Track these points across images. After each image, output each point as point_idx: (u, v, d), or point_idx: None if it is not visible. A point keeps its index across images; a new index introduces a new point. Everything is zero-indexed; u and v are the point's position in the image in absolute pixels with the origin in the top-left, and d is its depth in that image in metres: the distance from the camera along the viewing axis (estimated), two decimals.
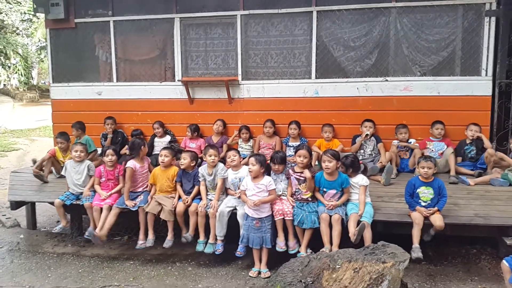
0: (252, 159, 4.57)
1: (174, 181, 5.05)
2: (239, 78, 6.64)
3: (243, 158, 5.61)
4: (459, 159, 5.87)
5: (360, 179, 4.57)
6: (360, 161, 4.69)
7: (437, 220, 4.21)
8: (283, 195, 4.81)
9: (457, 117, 6.02)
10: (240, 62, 6.62)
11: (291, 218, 4.53)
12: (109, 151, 5.24)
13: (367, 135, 5.94)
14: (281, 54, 6.56)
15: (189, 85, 6.77)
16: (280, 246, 4.52)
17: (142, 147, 5.20)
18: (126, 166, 5.08)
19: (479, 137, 5.70)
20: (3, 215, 6.48)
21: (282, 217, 4.54)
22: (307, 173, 4.57)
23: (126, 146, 6.48)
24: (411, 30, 6.10)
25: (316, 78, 6.42)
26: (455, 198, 4.81)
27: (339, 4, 6.20)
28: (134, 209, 4.95)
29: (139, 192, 5.14)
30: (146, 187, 5.19)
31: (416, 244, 4.24)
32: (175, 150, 5.59)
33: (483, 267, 4.63)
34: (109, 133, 6.84)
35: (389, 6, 6.09)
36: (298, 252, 4.48)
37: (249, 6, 6.50)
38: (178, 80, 6.82)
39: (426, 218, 4.28)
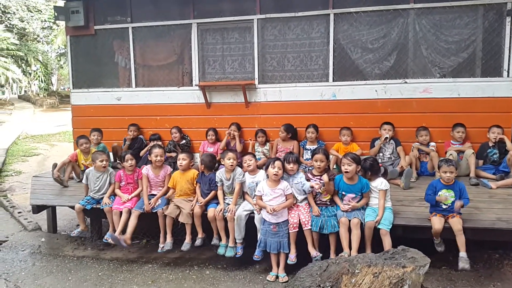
0: (279, 163, 4.51)
1: (194, 183, 5.09)
2: (256, 82, 6.65)
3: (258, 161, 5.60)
4: (481, 162, 5.77)
5: (379, 183, 4.50)
6: (380, 164, 4.62)
7: (456, 224, 4.13)
8: (299, 202, 4.73)
9: (478, 119, 5.92)
10: (256, 66, 6.63)
11: (309, 227, 4.47)
12: (128, 156, 5.32)
13: (386, 138, 5.87)
14: (298, 58, 6.54)
15: (206, 89, 6.81)
16: (291, 259, 4.46)
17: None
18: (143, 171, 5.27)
19: (501, 140, 5.59)
20: (24, 219, 6.60)
21: (296, 230, 4.48)
22: (325, 177, 4.53)
23: (146, 149, 6.68)
24: (430, 31, 6.03)
25: (334, 81, 6.38)
26: (477, 202, 4.72)
27: (357, 6, 6.16)
28: (153, 211, 5.01)
29: (154, 195, 5.20)
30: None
31: (437, 239, 4.19)
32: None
33: (506, 273, 4.52)
34: (128, 140, 6.94)
35: (407, 8, 6.02)
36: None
37: (265, 10, 6.51)
38: (196, 85, 6.86)
39: (446, 222, 4.21)
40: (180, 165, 5.12)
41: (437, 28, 6.01)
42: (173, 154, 6.56)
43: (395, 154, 5.97)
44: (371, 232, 4.31)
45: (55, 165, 6.30)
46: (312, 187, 4.57)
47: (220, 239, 4.85)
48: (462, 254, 4.08)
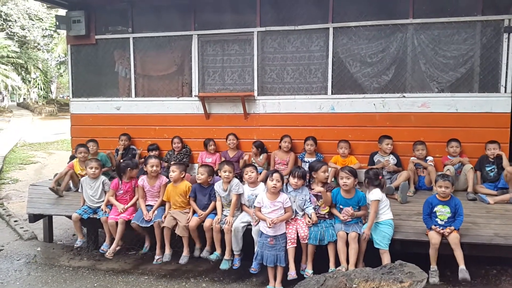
0: (278, 176, 4.47)
1: (187, 197, 5.02)
2: (255, 93, 6.68)
3: (259, 174, 5.58)
4: (479, 173, 5.76)
5: (370, 194, 4.48)
6: (380, 177, 4.61)
7: (454, 238, 4.12)
8: (297, 215, 4.68)
9: (476, 134, 5.95)
10: (256, 78, 6.67)
11: (307, 242, 4.44)
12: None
13: (389, 161, 5.92)
14: (297, 70, 6.59)
15: (206, 100, 6.83)
16: (292, 275, 4.36)
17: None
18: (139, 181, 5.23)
19: (499, 155, 5.60)
20: (20, 228, 6.56)
21: (294, 245, 4.44)
22: (319, 188, 4.53)
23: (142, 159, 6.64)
24: (428, 46, 6.08)
25: (332, 94, 6.42)
26: (474, 217, 4.73)
27: (356, 21, 6.23)
28: (148, 225, 4.97)
29: (150, 205, 5.17)
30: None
31: (433, 265, 4.15)
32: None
33: None
34: (121, 149, 7.00)
35: (406, 23, 6.08)
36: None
37: (266, 23, 6.57)
38: (195, 96, 6.88)
39: (443, 237, 4.20)
40: (170, 177, 5.08)
41: (436, 44, 6.06)
42: None
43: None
44: (364, 247, 4.30)
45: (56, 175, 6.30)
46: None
47: (211, 252, 4.81)
48: (462, 267, 4.07)
